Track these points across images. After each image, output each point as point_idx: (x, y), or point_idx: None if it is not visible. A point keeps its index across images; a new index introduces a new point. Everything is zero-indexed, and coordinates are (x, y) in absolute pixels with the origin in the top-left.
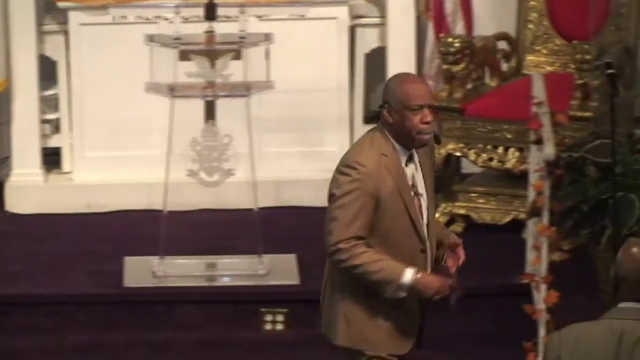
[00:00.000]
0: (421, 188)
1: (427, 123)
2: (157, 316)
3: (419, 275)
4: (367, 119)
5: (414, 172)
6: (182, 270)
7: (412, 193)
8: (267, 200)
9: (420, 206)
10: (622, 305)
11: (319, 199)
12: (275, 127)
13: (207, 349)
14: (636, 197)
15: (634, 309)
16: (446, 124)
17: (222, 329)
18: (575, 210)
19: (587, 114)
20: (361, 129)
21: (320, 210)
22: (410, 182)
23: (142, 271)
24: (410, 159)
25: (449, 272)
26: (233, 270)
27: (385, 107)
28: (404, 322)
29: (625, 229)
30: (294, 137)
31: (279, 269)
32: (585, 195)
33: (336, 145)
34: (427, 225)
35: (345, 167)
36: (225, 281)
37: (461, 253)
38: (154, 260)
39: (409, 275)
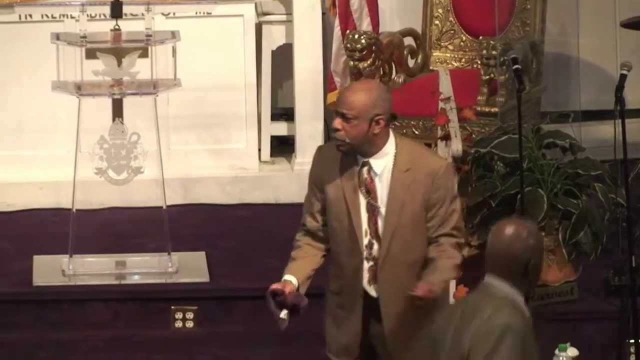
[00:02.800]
0: (381, 201)
1: (335, 129)
2: (67, 315)
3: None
4: (275, 116)
5: (369, 180)
6: (92, 268)
7: (360, 201)
8: (175, 197)
9: (375, 219)
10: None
11: (228, 196)
12: (182, 124)
13: (116, 347)
14: (543, 192)
15: (483, 284)
16: None
17: (131, 327)
18: (483, 206)
19: (494, 109)
20: (269, 126)
21: (229, 207)
22: (362, 188)
23: (51, 270)
24: (368, 165)
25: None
26: (142, 268)
27: None
28: (341, 329)
29: None
30: (202, 134)
31: (188, 267)
32: (493, 190)
33: (244, 143)
34: (382, 240)
35: None
36: (135, 279)
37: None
38: (63, 258)
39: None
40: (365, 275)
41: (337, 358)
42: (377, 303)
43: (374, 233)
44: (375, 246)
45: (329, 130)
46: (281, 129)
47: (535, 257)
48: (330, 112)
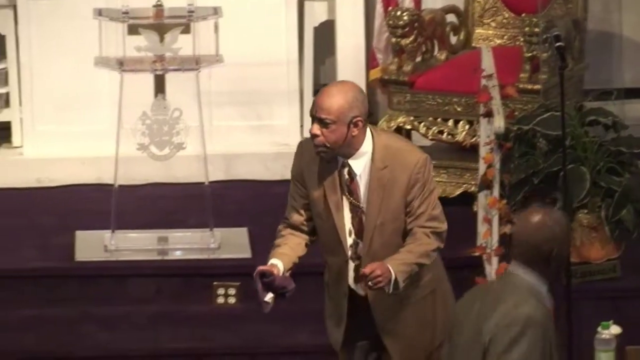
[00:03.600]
0: (363, 200)
1: (313, 135)
2: (109, 290)
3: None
4: (317, 92)
5: (350, 181)
6: (134, 244)
7: (343, 200)
8: (217, 173)
9: (358, 218)
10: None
11: (269, 172)
12: (225, 100)
13: (158, 323)
14: (586, 170)
15: (508, 272)
16: (396, 97)
17: (173, 303)
18: (525, 184)
19: (536, 86)
20: (311, 102)
21: (270, 183)
22: (344, 188)
23: (93, 245)
24: (348, 166)
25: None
26: (184, 244)
27: None
28: (333, 316)
29: (576, 201)
30: (244, 110)
31: (230, 243)
32: (535, 168)
33: (286, 119)
34: (364, 238)
35: None
36: (177, 255)
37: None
38: (105, 234)
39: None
40: (351, 275)
41: (335, 347)
42: (366, 299)
43: (359, 232)
44: (360, 245)
45: (371, 107)
46: None
47: (558, 247)
48: (372, 89)
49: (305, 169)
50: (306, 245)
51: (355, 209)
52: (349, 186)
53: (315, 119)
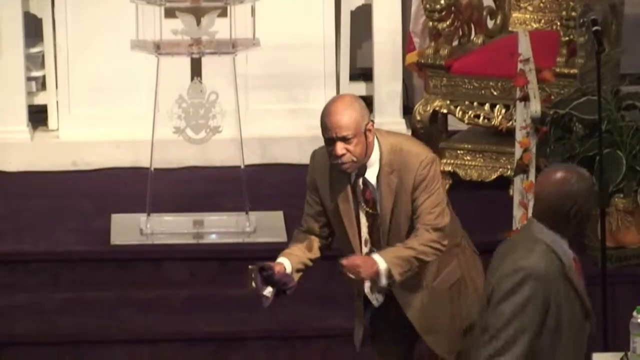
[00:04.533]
0: (378, 206)
1: (337, 157)
2: (144, 274)
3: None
4: (353, 76)
5: (364, 190)
6: (169, 227)
7: (359, 210)
8: (253, 157)
9: (376, 227)
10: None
11: (305, 156)
12: (261, 84)
13: (194, 306)
14: (622, 154)
15: (526, 225)
16: (432, 81)
17: (209, 286)
18: None
19: (573, 70)
20: (347, 86)
21: (306, 167)
22: (359, 197)
23: (129, 229)
24: (363, 176)
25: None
26: (220, 227)
27: None
28: (355, 316)
29: (612, 186)
30: (280, 94)
31: (266, 226)
32: (571, 152)
33: (322, 103)
34: (381, 242)
35: None
36: (212, 238)
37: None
38: (141, 217)
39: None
40: (367, 285)
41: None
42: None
43: (376, 241)
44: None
45: (407, 91)
46: (359, 89)
47: (579, 204)
48: (409, 73)
49: (318, 179)
50: (320, 248)
51: (372, 218)
52: (364, 196)
53: (335, 140)
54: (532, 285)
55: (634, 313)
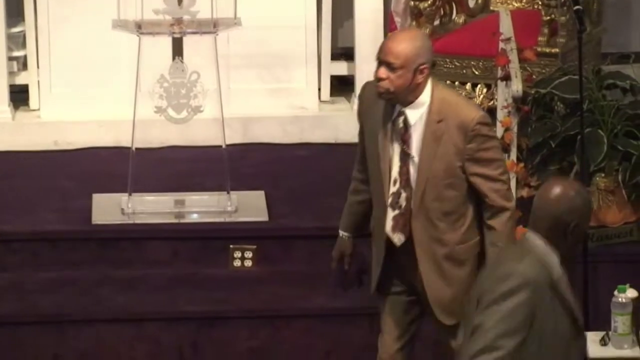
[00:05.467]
0: (415, 151)
1: (377, 79)
2: (126, 253)
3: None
4: (335, 56)
5: (404, 130)
6: (151, 207)
7: (394, 148)
8: (235, 137)
9: (406, 168)
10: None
11: (287, 136)
12: (243, 64)
13: (175, 285)
14: (603, 133)
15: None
16: None
17: (190, 266)
18: (543, 147)
19: (555, 50)
20: (329, 65)
21: (288, 146)
22: (397, 136)
23: (110, 208)
24: (404, 115)
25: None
26: (201, 207)
27: None
28: (375, 261)
29: (593, 165)
30: (262, 73)
31: (248, 206)
32: (552, 131)
33: (303, 82)
34: (415, 190)
35: None
36: (194, 218)
37: None
38: (123, 197)
39: (339, 231)
40: (389, 223)
41: (379, 293)
42: (407, 248)
43: (405, 182)
44: (403, 195)
45: None
46: (341, 68)
47: (578, 220)
48: None
49: (364, 111)
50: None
51: (405, 158)
52: (402, 135)
53: (382, 62)
54: (525, 291)
55: (615, 292)
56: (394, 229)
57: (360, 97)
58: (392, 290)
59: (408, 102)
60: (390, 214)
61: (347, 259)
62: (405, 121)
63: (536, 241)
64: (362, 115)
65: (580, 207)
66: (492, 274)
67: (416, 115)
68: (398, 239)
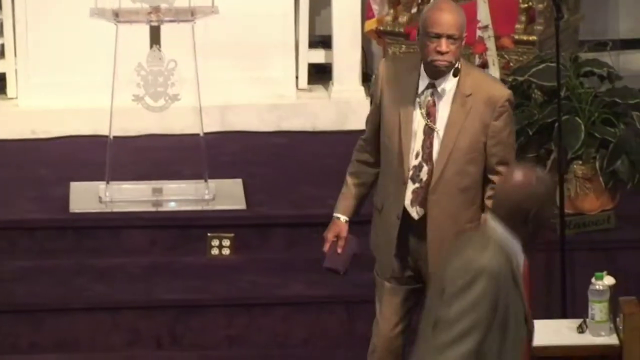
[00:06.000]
0: (440, 123)
1: (440, 53)
2: (104, 241)
3: (336, 217)
4: (312, 44)
5: (432, 103)
6: (129, 195)
7: (419, 118)
8: (212, 125)
9: (430, 141)
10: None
11: (265, 124)
12: (220, 52)
13: (153, 274)
14: (581, 121)
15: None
16: (391, 48)
17: (168, 254)
18: (520, 134)
19: (532, 37)
20: (306, 53)
21: (266, 134)
22: (422, 109)
23: (88, 197)
24: (433, 87)
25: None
26: (179, 195)
27: (418, 30)
28: (381, 248)
29: (571, 153)
30: (240, 62)
31: (225, 194)
32: (530, 118)
33: (281, 71)
34: (437, 163)
35: None
36: (172, 206)
37: None
38: (100, 185)
39: (335, 213)
40: (409, 197)
41: (380, 277)
42: (420, 225)
43: (427, 155)
44: (425, 169)
45: (366, 59)
46: (319, 56)
47: (538, 208)
48: (368, 40)
49: (385, 85)
50: (375, 174)
51: (429, 132)
52: (429, 108)
53: (443, 36)
54: (485, 282)
55: (593, 280)
56: (412, 202)
57: (378, 75)
58: (395, 274)
59: (444, 75)
60: (411, 187)
61: (341, 242)
62: (434, 93)
63: (498, 229)
64: (381, 92)
65: (541, 194)
66: (454, 262)
67: (446, 87)
68: (416, 212)
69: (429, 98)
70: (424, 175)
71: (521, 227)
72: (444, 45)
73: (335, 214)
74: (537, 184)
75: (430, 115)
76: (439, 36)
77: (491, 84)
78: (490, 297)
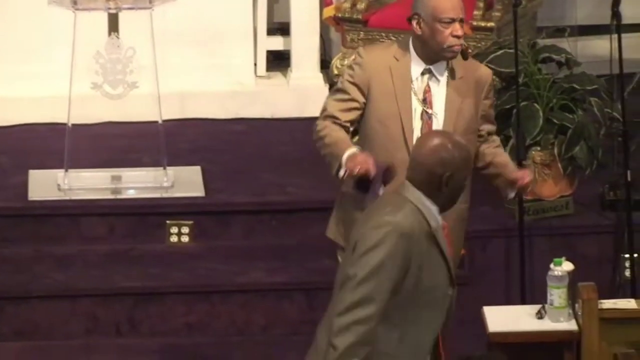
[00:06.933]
0: (437, 108)
1: (457, 37)
2: (62, 229)
3: (353, 151)
4: (271, 31)
5: (428, 88)
6: (87, 183)
7: (415, 105)
8: (171, 112)
9: (429, 126)
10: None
11: (223, 111)
12: (179, 39)
13: (112, 261)
14: (539, 107)
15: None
16: (350, 35)
17: (127, 242)
18: None
19: (490, 24)
20: (265, 40)
21: (224, 122)
22: (419, 95)
23: (46, 184)
24: (429, 73)
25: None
26: (138, 182)
27: (414, 18)
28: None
29: (529, 139)
30: (198, 49)
31: (184, 181)
32: None
33: (239, 58)
34: None
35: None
36: (130, 194)
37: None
38: (59, 173)
39: (348, 152)
40: None
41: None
42: None
43: None
44: None
45: (324, 45)
46: (277, 43)
47: (452, 171)
48: (326, 27)
49: (370, 77)
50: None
51: (426, 117)
52: (425, 93)
53: (457, 20)
54: (395, 240)
55: (551, 265)
56: None
57: (363, 63)
58: None
59: (437, 59)
60: None
61: (371, 159)
62: (431, 78)
63: (414, 192)
64: (368, 80)
65: (454, 158)
66: (369, 221)
67: (441, 71)
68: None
69: (426, 82)
70: None
71: (436, 190)
72: (459, 29)
73: (346, 153)
74: (452, 148)
75: (426, 100)
76: (453, 20)
77: (475, 65)
78: (400, 255)
